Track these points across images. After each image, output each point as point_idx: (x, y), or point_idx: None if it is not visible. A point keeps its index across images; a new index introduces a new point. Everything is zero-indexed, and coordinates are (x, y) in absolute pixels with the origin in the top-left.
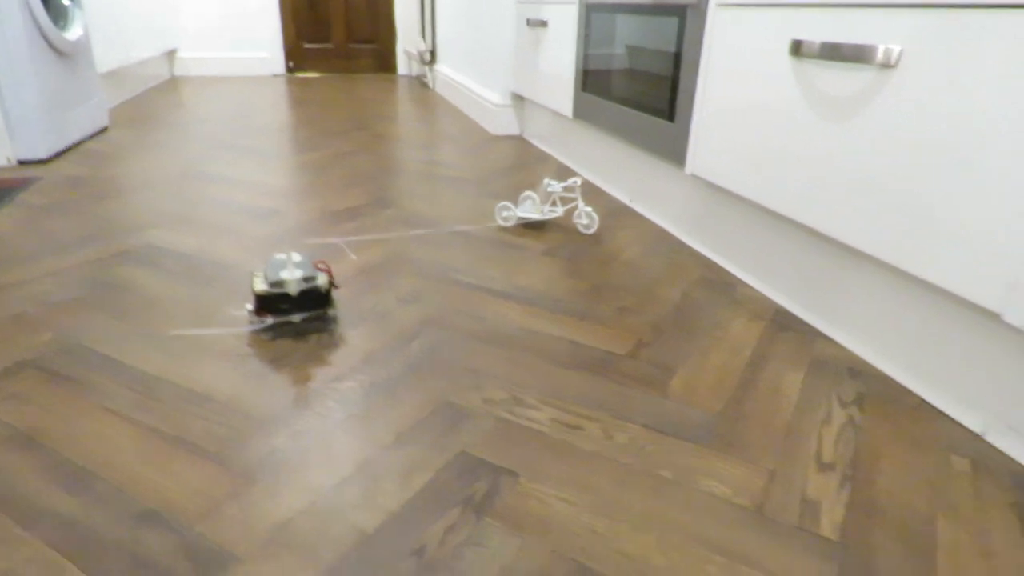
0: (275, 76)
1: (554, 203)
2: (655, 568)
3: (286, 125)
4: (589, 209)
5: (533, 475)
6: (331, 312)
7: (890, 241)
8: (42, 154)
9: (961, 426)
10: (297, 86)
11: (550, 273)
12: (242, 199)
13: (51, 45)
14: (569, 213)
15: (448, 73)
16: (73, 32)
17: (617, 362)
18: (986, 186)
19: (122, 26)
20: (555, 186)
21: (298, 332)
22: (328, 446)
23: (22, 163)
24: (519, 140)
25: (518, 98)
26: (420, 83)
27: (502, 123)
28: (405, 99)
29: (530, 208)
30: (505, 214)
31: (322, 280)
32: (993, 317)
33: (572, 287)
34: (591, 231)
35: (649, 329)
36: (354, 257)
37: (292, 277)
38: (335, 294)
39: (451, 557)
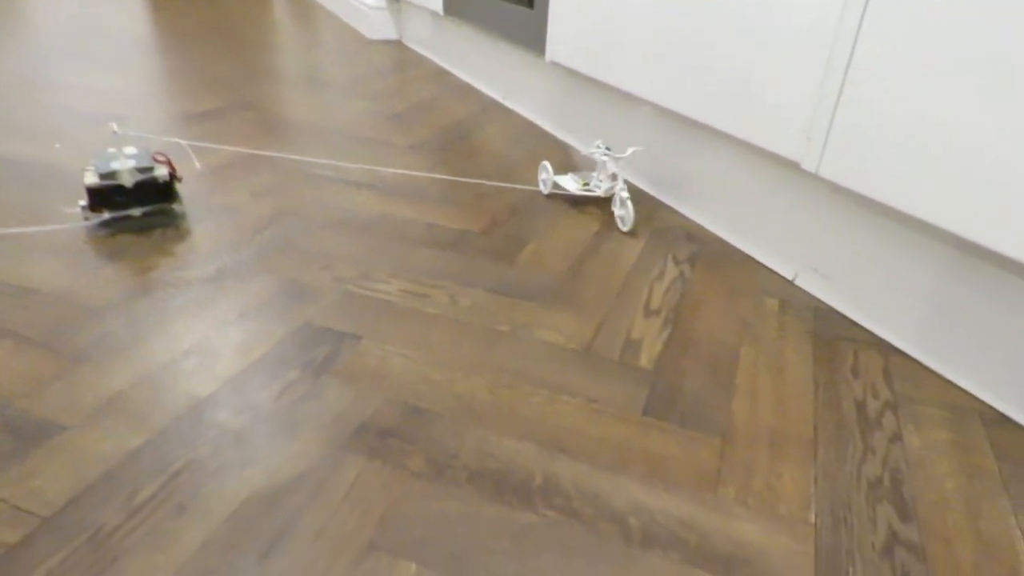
0: None
1: (610, 176)
2: (482, 403)
3: (145, 34)
4: (626, 195)
5: (375, 337)
6: (177, 207)
7: (718, 108)
8: None
9: (776, 274)
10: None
11: (414, 165)
12: (84, 106)
13: None
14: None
15: None
16: None
17: (470, 239)
18: (782, 51)
19: None
20: (598, 152)
21: (140, 227)
22: (166, 328)
23: None
24: (397, 44)
25: (394, 0)
26: None
27: (378, 27)
28: (279, 6)
29: (571, 181)
30: (543, 176)
31: (160, 171)
32: (794, 167)
33: (434, 177)
34: (626, 228)
35: (506, 210)
36: (198, 166)
37: (124, 167)
38: (183, 191)
39: (286, 410)
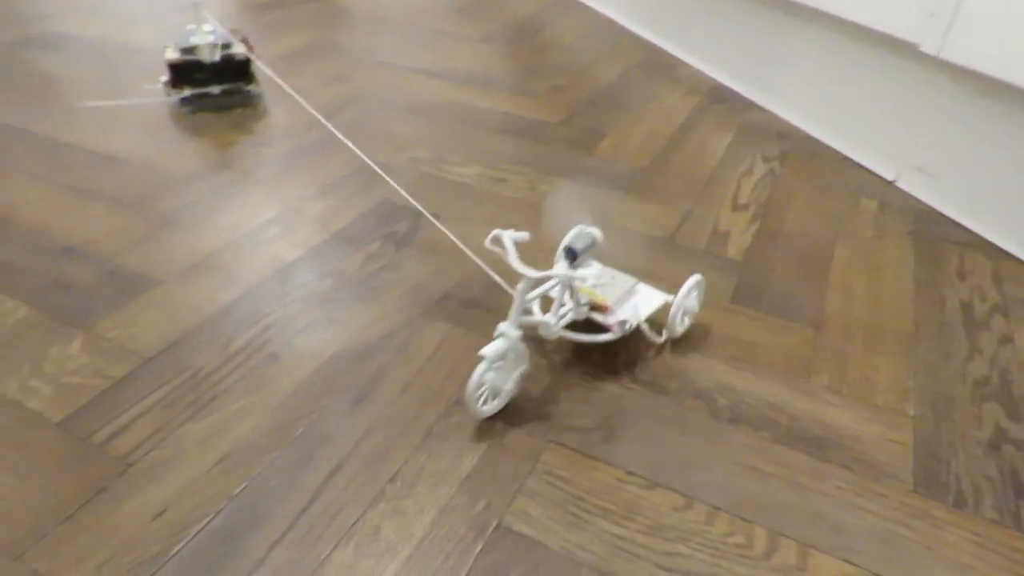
0: None
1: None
2: None
3: None
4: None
5: (454, 216)
6: (253, 88)
7: None
8: None
9: (875, 175)
10: None
11: (486, 57)
12: None
13: None
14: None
15: None
16: None
17: (547, 129)
18: None
19: None
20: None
21: (219, 106)
22: (248, 198)
23: None
24: None
25: None
26: None
27: None
28: None
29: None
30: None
31: (238, 49)
32: (909, 51)
33: (507, 68)
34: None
35: (583, 102)
36: (266, 54)
37: (204, 42)
38: (258, 73)
39: (369, 277)
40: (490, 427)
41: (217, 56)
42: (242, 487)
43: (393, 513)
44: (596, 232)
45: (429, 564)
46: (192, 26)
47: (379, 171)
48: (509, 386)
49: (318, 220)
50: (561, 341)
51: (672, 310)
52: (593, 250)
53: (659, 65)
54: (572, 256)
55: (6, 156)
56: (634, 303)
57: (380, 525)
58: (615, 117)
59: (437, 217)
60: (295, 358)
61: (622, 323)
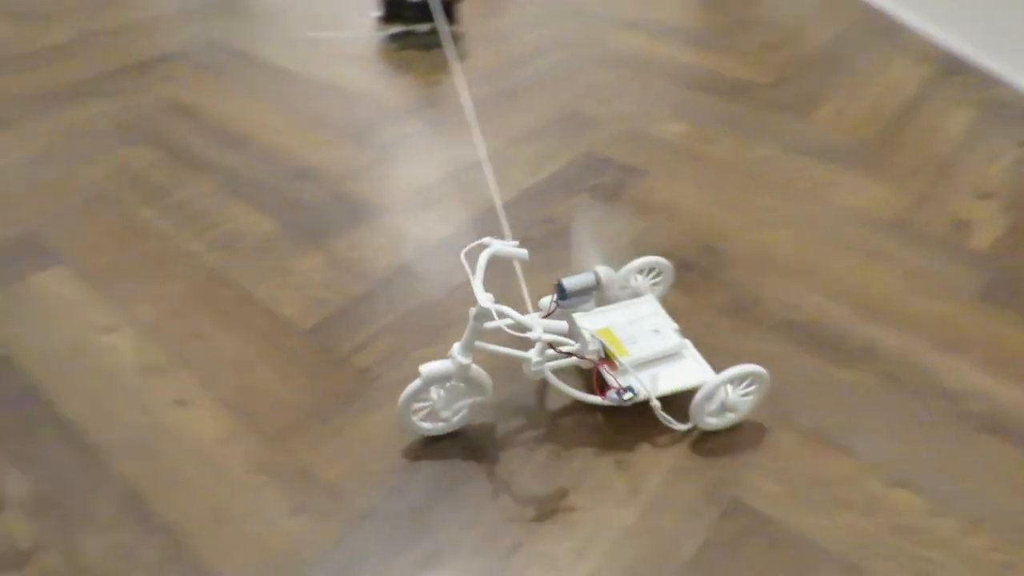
0: None
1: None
2: (785, 256)
3: None
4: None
5: (662, 174)
6: (454, 29)
7: None
8: None
9: None
10: None
11: (689, 9)
12: None
13: None
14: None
15: None
16: None
17: (757, 90)
18: None
19: None
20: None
21: (423, 44)
22: (457, 136)
23: None
24: None
25: None
26: None
27: None
28: None
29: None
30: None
31: None
32: None
33: (712, 21)
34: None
35: (795, 64)
36: None
37: None
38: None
39: (579, 225)
40: None
41: None
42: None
43: (621, 466)
44: (605, 272)
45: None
46: None
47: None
48: (453, 416)
49: (527, 163)
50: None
51: (699, 397)
52: (594, 293)
53: (879, 28)
54: (561, 294)
55: (242, 81)
56: (659, 371)
57: (612, 477)
58: (833, 82)
59: (643, 173)
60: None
61: (623, 391)
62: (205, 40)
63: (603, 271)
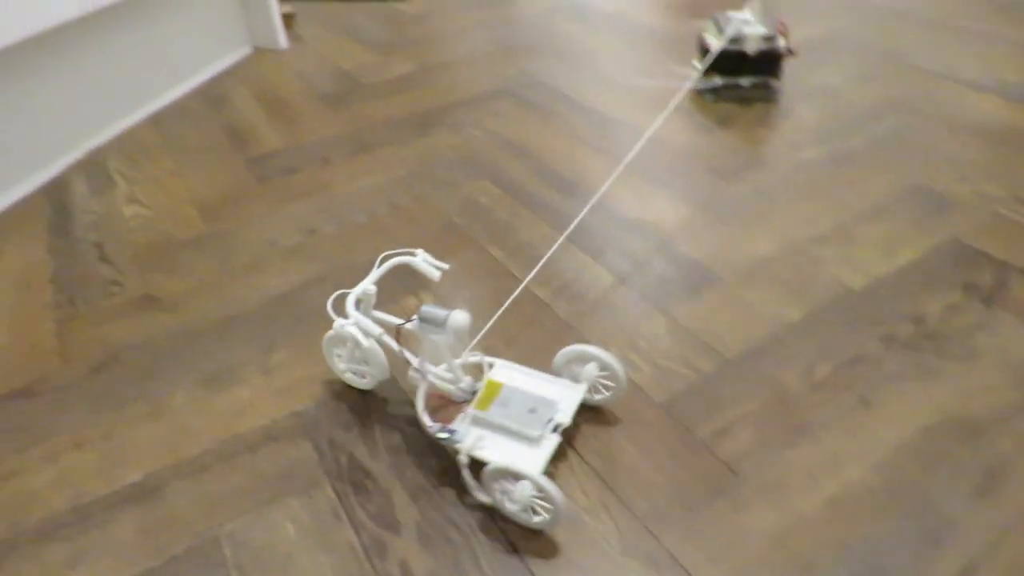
0: None
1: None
2: None
3: None
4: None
5: None
6: (775, 83)
7: None
8: None
9: None
10: None
11: None
12: None
13: None
14: None
15: None
16: None
17: None
18: None
19: None
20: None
21: (742, 98)
22: (794, 203)
23: None
24: None
25: None
26: None
27: None
28: None
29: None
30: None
31: (781, 43)
32: None
33: None
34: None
35: None
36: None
37: (754, 33)
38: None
39: (957, 334)
40: None
41: (761, 48)
42: (858, 541)
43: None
44: (457, 317)
45: None
46: (738, 14)
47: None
48: (362, 380)
49: (878, 245)
50: None
51: (492, 470)
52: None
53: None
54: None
55: (565, 122)
56: (499, 440)
57: None
58: None
59: None
60: (889, 410)
61: (445, 429)
62: (528, 79)
63: (457, 315)
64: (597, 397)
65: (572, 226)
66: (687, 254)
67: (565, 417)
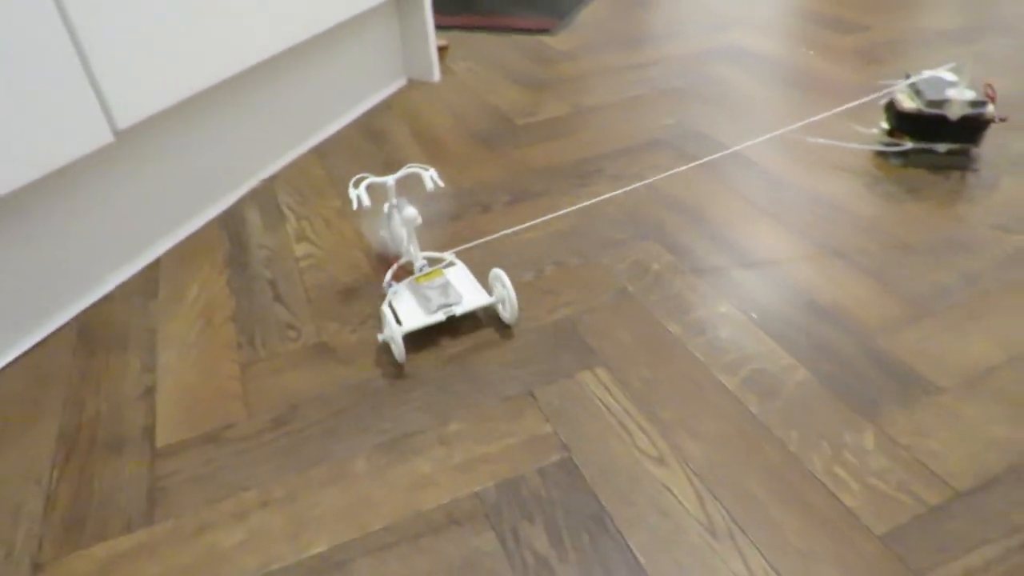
0: None
1: None
2: None
3: None
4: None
5: None
6: (974, 150)
7: None
8: None
9: None
10: None
11: None
12: (814, 6)
13: None
14: None
15: None
16: None
17: None
18: None
19: None
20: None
21: (934, 165)
22: (1011, 298)
23: None
24: None
25: None
26: None
27: None
28: None
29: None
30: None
31: (989, 109)
32: None
33: None
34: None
35: None
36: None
37: (960, 98)
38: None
39: None
40: None
41: (966, 112)
42: None
43: None
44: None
45: None
46: (937, 73)
47: None
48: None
49: None
50: None
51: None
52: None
53: None
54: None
55: (730, 180)
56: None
57: None
58: None
59: None
60: None
61: (389, 284)
62: (685, 129)
63: (410, 210)
64: (504, 313)
65: (754, 312)
66: (890, 352)
67: (460, 309)
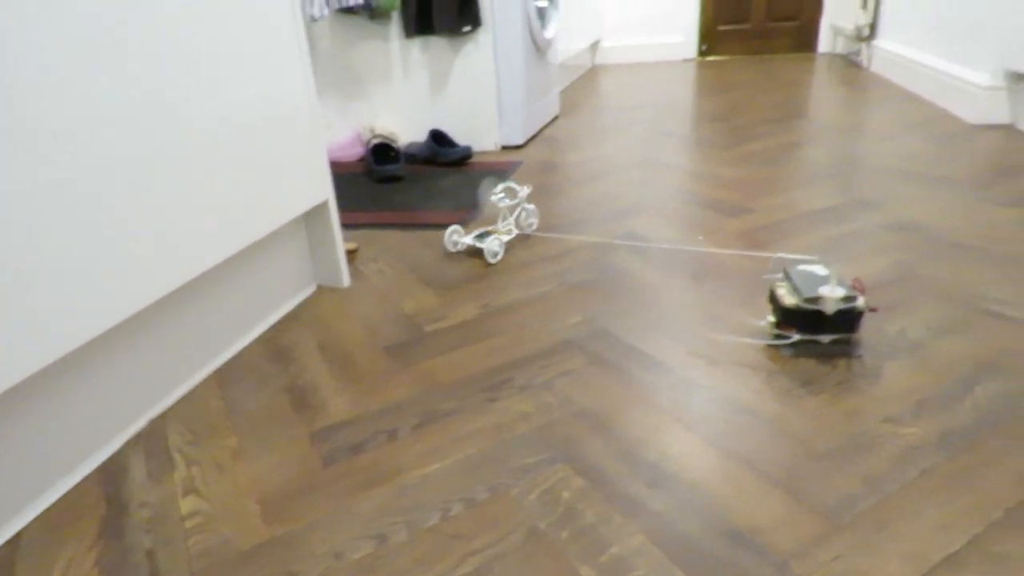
0: (685, 60)
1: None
2: None
3: (718, 112)
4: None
5: None
6: (854, 336)
7: None
8: (519, 140)
9: None
10: (712, 70)
11: None
12: (702, 190)
13: (536, 44)
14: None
15: (895, 50)
16: (550, 31)
17: None
18: None
19: (565, 23)
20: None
21: (822, 354)
22: (912, 504)
23: (504, 148)
24: (1010, 131)
25: (1018, 77)
26: (848, 62)
27: (986, 110)
28: (836, 82)
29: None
30: (455, 238)
31: (860, 302)
32: None
33: None
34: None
35: None
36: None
37: (832, 295)
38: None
39: None
40: None
41: (840, 307)
42: None
43: None
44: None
45: None
46: (810, 268)
47: None
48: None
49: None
50: None
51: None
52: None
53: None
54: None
55: (642, 386)
56: None
57: None
58: None
59: None
60: None
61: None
62: (594, 328)
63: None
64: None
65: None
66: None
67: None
